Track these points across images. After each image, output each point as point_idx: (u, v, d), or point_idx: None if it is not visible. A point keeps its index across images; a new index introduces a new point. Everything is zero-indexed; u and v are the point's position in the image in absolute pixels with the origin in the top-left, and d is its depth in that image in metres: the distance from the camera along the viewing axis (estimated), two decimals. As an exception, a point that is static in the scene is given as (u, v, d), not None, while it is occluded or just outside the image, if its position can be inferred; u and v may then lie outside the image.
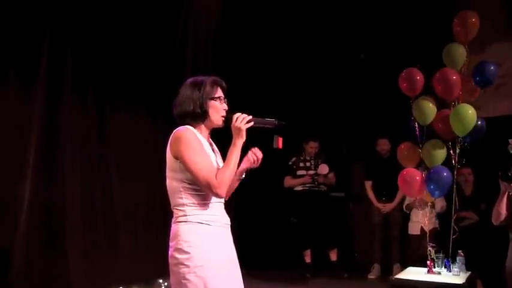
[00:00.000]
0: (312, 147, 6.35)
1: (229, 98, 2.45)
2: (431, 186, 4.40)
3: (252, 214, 6.73)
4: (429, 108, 4.52)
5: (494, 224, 3.47)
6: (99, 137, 4.96)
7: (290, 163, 6.39)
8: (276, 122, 2.37)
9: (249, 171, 2.52)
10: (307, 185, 6.26)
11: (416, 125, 4.58)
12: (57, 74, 4.56)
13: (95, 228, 4.81)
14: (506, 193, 3.37)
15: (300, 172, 6.33)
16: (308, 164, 6.35)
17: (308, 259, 6.31)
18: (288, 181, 6.38)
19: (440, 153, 4.47)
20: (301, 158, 6.39)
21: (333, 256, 6.28)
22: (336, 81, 7.07)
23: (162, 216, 5.28)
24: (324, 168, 6.22)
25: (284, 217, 6.89)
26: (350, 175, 7.37)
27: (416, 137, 4.60)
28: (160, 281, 5.00)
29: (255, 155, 2.44)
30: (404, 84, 4.65)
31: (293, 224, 6.41)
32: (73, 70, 4.70)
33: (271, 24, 6.58)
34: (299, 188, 6.31)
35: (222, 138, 2.50)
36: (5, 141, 4.11)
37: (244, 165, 2.46)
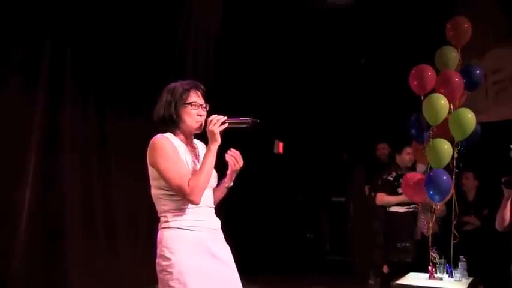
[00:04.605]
0: (409, 153, 5.21)
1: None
2: (431, 191, 4.24)
3: (254, 219, 6.71)
4: (441, 106, 4.22)
5: (498, 229, 3.45)
6: (100, 142, 4.95)
7: (391, 179, 5.23)
8: (250, 121, 2.31)
9: (237, 177, 2.46)
10: (412, 206, 5.13)
11: (424, 123, 4.31)
12: (58, 79, 4.55)
13: (95, 235, 4.79)
14: (510, 199, 3.35)
15: (401, 190, 5.03)
16: None
17: (386, 269, 5.57)
18: (384, 198, 5.24)
19: (446, 153, 4.24)
20: (400, 173, 5.20)
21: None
22: (337, 87, 7.07)
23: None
24: None
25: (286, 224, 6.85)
26: (350, 180, 7.37)
27: (422, 137, 4.38)
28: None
29: (232, 156, 2.40)
30: (415, 82, 4.37)
31: (404, 247, 5.19)
32: (74, 75, 4.70)
33: (272, 29, 6.58)
34: (401, 210, 5.17)
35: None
36: (5, 147, 4.10)
37: (229, 170, 2.44)
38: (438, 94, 4.29)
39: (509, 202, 3.37)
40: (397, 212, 5.22)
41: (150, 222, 5.16)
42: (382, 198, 5.29)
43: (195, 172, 2.24)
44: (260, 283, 5.70)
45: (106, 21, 4.92)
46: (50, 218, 4.42)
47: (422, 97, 4.38)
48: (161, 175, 2.20)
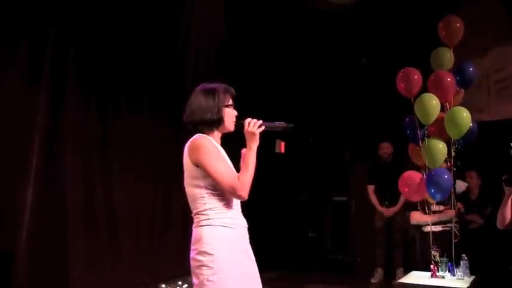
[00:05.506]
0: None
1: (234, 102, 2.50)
2: (432, 190, 4.28)
3: (255, 219, 6.69)
4: (432, 107, 4.28)
5: (499, 228, 3.44)
6: (101, 142, 4.95)
7: None
8: (286, 125, 2.48)
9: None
10: (448, 225, 4.69)
11: (417, 124, 4.38)
12: (60, 79, 4.56)
13: (97, 235, 4.79)
14: (511, 197, 3.34)
15: (435, 208, 4.75)
16: None
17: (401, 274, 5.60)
18: (419, 217, 4.82)
19: (441, 151, 4.30)
20: None
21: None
22: (338, 86, 7.07)
23: (164, 222, 5.26)
24: (461, 186, 5.06)
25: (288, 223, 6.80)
26: (352, 179, 7.36)
27: (417, 137, 4.42)
28: (163, 286, 4.97)
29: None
30: (402, 85, 4.46)
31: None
32: (76, 75, 4.70)
33: (274, 29, 6.58)
34: (437, 229, 4.72)
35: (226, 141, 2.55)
36: (7, 147, 4.10)
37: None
38: (430, 94, 4.34)
39: (509, 200, 3.35)
40: (433, 231, 4.67)
41: (152, 223, 5.22)
42: (413, 216, 4.92)
43: (235, 172, 2.37)
44: (262, 282, 5.69)
45: (108, 21, 4.93)
46: (52, 218, 4.42)
47: (412, 99, 4.41)
48: (210, 174, 2.30)
